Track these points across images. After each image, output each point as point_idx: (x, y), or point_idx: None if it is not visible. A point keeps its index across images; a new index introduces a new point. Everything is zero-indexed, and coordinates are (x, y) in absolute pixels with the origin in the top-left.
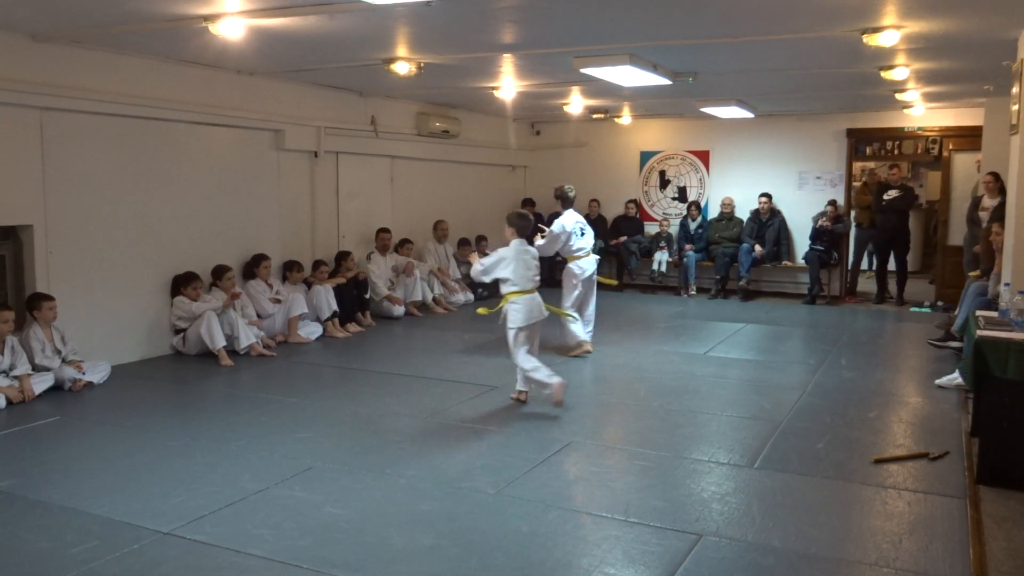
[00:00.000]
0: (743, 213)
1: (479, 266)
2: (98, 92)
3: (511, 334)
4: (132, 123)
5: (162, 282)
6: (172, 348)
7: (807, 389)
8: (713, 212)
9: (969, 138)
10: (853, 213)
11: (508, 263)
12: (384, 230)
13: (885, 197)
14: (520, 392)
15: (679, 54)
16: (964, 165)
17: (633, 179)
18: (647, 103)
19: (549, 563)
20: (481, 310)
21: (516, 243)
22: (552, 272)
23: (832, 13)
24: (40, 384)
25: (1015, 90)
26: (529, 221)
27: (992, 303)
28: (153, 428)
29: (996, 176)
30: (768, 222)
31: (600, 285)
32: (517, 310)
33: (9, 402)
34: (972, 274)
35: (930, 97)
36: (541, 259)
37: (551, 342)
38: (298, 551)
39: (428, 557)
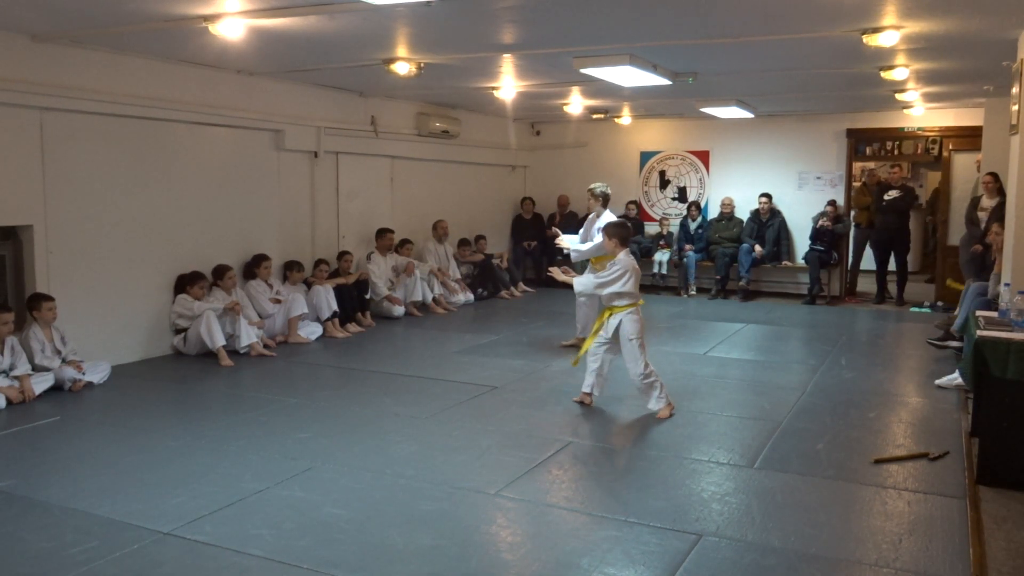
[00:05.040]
0: (743, 213)
1: (595, 279)
2: (98, 92)
3: (636, 344)
4: (132, 123)
5: (162, 282)
6: (172, 348)
7: (807, 389)
8: (713, 212)
9: (969, 138)
10: (853, 213)
11: (629, 276)
12: (387, 231)
13: (885, 197)
14: (586, 395)
15: (679, 54)
16: (964, 165)
17: (633, 179)
18: (647, 103)
19: (549, 563)
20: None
21: (625, 255)
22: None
23: (832, 13)
24: (40, 384)
25: (1015, 90)
26: (628, 230)
27: (992, 303)
28: (153, 428)
29: (995, 176)
30: (768, 222)
31: None
32: (636, 320)
33: (9, 402)
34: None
35: (930, 97)
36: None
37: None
38: (298, 551)
39: (428, 557)
